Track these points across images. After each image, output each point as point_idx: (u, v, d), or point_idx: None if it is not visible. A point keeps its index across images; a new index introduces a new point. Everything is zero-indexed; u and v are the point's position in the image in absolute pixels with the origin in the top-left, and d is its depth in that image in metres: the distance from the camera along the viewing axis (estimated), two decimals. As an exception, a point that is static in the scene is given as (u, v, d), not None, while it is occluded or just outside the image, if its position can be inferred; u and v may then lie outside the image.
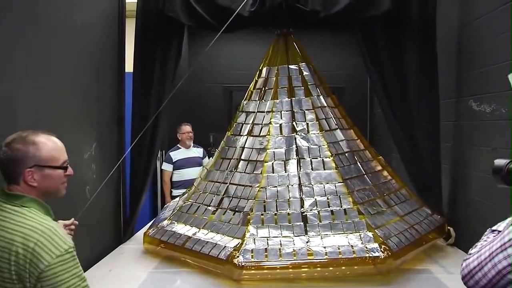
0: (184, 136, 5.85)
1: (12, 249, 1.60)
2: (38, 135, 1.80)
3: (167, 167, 5.80)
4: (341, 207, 3.30)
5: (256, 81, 4.08)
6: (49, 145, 1.80)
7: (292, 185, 3.43)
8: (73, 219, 2.33)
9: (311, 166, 3.51)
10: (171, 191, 5.81)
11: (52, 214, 1.81)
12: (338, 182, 3.42)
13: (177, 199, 4.29)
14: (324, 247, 3.05)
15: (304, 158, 3.55)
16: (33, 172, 1.74)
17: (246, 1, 3.73)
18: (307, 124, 3.71)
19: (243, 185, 3.55)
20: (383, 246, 3.03)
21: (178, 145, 5.93)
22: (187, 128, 5.90)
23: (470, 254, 1.49)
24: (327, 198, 3.34)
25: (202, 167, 5.32)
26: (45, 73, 2.92)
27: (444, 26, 4.11)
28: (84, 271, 3.36)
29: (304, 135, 3.66)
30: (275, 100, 3.86)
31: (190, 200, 3.82)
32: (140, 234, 4.17)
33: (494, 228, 1.54)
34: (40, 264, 1.58)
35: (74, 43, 3.36)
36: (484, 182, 3.52)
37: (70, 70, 3.29)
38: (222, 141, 4.07)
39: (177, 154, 5.83)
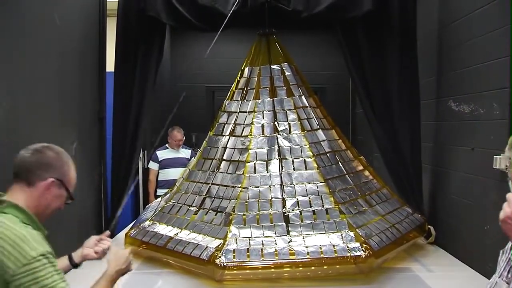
0: (175, 143, 5.83)
1: None
2: (69, 158, 1.84)
3: (153, 165, 5.78)
4: (323, 207, 3.31)
5: (238, 81, 4.07)
6: (74, 172, 1.85)
7: (274, 185, 3.43)
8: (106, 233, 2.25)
9: (293, 166, 3.52)
10: (155, 190, 5.78)
11: (34, 222, 1.69)
12: (320, 182, 3.43)
13: (159, 199, 4.27)
14: (306, 247, 3.06)
15: (286, 158, 3.56)
16: (54, 184, 1.73)
17: (228, 1, 3.72)
18: (289, 124, 3.71)
19: (225, 186, 3.54)
20: (364, 245, 3.04)
21: (166, 144, 5.90)
22: (178, 136, 5.84)
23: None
24: (309, 198, 3.35)
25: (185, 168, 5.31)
26: (22, 73, 2.87)
27: (424, 27, 4.16)
28: (65, 273, 3.32)
29: (286, 135, 3.66)
30: (257, 100, 3.85)
31: (172, 201, 3.79)
32: (121, 235, 4.12)
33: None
34: (5, 274, 1.47)
35: (53, 42, 3.32)
36: (464, 181, 3.57)
37: (49, 70, 3.25)
38: (204, 141, 4.06)
39: (164, 154, 5.81)
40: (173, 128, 5.89)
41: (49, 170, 1.73)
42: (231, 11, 3.71)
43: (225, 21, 3.51)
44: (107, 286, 1.89)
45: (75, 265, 2.17)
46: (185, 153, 5.94)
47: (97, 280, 1.91)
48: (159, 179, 5.80)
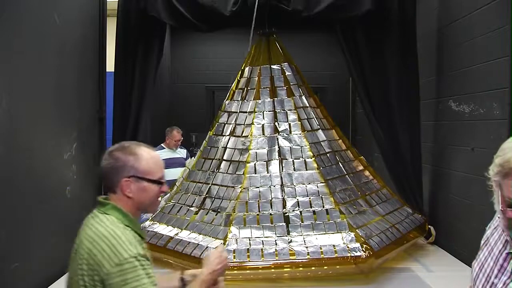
0: (173, 143, 5.82)
1: (81, 252, 1.62)
2: (139, 147, 1.80)
3: None
4: (323, 207, 3.31)
5: (238, 81, 4.07)
6: (149, 158, 1.79)
7: (274, 186, 3.43)
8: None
9: (293, 166, 3.52)
10: None
11: (135, 225, 1.75)
12: (320, 183, 3.43)
13: (159, 199, 4.26)
14: (306, 247, 3.06)
15: (286, 159, 3.55)
16: (131, 182, 1.73)
17: (228, 1, 3.72)
18: (289, 124, 3.71)
19: (225, 186, 3.54)
20: (364, 245, 3.04)
21: (162, 145, 5.89)
22: (177, 136, 5.84)
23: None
24: (309, 199, 3.35)
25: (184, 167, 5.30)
26: (22, 73, 2.87)
27: (424, 27, 4.16)
28: (65, 273, 3.31)
29: (286, 135, 3.66)
30: (257, 100, 3.85)
31: (172, 201, 3.79)
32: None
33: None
34: (101, 272, 1.54)
35: (53, 42, 3.32)
36: (464, 181, 3.57)
37: (48, 70, 3.25)
38: (204, 141, 4.06)
39: (160, 154, 5.77)
40: (172, 128, 5.88)
41: (118, 173, 1.73)
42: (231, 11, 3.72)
43: (225, 21, 3.51)
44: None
45: (184, 284, 2.07)
46: (181, 152, 5.94)
47: (190, 285, 1.92)
48: None
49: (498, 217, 1.37)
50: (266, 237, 3.16)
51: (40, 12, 3.15)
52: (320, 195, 3.37)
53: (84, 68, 3.86)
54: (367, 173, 3.93)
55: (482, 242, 1.53)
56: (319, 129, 3.76)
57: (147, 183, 1.76)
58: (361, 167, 3.92)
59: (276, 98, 3.83)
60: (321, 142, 3.70)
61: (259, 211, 3.31)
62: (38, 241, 3.05)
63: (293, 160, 3.55)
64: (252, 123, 3.75)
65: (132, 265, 1.54)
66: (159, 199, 1.86)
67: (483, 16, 3.34)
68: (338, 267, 3.04)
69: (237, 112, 3.88)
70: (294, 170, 3.50)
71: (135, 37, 4.07)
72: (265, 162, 3.56)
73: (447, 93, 3.89)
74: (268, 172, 3.50)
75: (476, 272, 1.47)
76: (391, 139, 4.04)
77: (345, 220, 3.23)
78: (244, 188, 3.44)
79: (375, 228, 3.32)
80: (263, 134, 3.69)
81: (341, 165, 3.68)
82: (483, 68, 3.32)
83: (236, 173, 3.56)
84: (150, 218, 3.74)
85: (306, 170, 3.50)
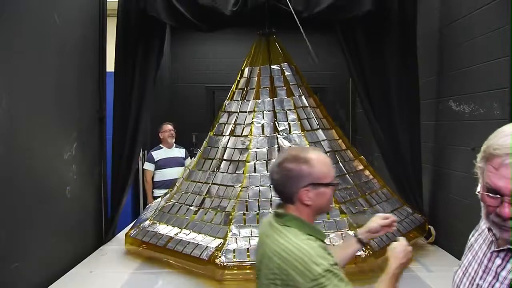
0: (166, 134, 5.84)
1: (271, 267, 1.66)
2: (308, 153, 1.77)
3: (149, 166, 5.77)
4: (323, 206, 3.31)
5: (238, 81, 4.08)
6: (320, 162, 1.76)
7: (274, 185, 3.42)
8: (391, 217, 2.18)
9: (293, 166, 3.51)
10: (152, 191, 5.77)
11: (316, 232, 1.75)
12: (320, 182, 3.42)
13: (159, 199, 4.27)
14: (306, 247, 3.05)
15: (286, 158, 3.55)
16: (309, 191, 1.72)
17: (228, 1, 3.72)
18: (289, 124, 3.72)
19: (225, 185, 3.55)
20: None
21: (160, 144, 5.91)
22: (168, 126, 5.90)
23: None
24: (309, 198, 3.35)
25: (184, 167, 5.30)
26: (22, 73, 2.87)
27: (424, 27, 4.16)
28: (65, 273, 3.33)
29: (286, 135, 3.66)
30: (257, 100, 3.86)
31: (172, 200, 3.80)
32: (121, 235, 4.13)
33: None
34: (297, 284, 1.57)
35: (53, 42, 3.32)
36: (464, 181, 3.57)
37: (48, 70, 3.25)
38: (205, 141, 4.06)
39: (159, 154, 5.80)
40: (160, 125, 5.95)
41: (294, 184, 1.73)
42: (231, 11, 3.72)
43: (225, 21, 3.50)
44: (392, 284, 1.85)
45: (362, 243, 2.14)
46: (180, 152, 5.95)
47: (380, 279, 1.88)
48: (155, 179, 5.80)
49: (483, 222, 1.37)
50: (266, 236, 3.15)
51: (40, 12, 3.15)
52: (320, 195, 3.36)
53: (84, 68, 3.87)
54: (367, 172, 3.93)
55: (466, 248, 1.53)
56: (318, 128, 3.77)
57: (323, 187, 1.75)
58: (361, 167, 3.92)
59: (275, 98, 3.83)
60: (321, 142, 3.70)
61: (259, 210, 3.32)
62: (38, 241, 3.05)
63: (293, 160, 3.54)
64: (252, 123, 3.76)
65: (326, 278, 1.57)
66: (332, 200, 1.86)
67: (483, 16, 3.34)
68: (338, 266, 3.03)
69: (237, 112, 3.89)
70: (294, 169, 3.50)
71: (135, 37, 4.07)
72: (265, 162, 3.56)
73: (447, 93, 3.89)
74: (268, 171, 3.51)
75: (459, 277, 1.46)
76: (391, 139, 4.04)
77: (345, 218, 3.24)
78: (244, 187, 3.45)
79: (375, 227, 3.32)
80: (263, 133, 3.70)
81: (341, 165, 3.68)
82: (483, 68, 3.32)
83: (236, 172, 3.57)
84: (150, 218, 3.75)
85: (306, 169, 3.50)
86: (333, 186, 1.80)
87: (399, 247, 1.91)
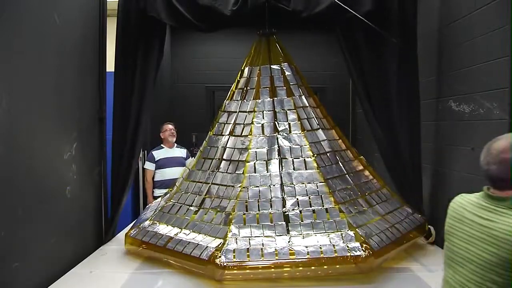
0: (167, 134, 5.85)
1: (505, 247, 1.79)
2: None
3: (149, 166, 5.77)
4: (323, 206, 3.31)
5: (238, 81, 4.08)
6: None
7: (274, 185, 3.43)
8: None
9: (293, 166, 3.52)
10: (153, 191, 5.77)
11: None
12: (320, 182, 3.43)
13: (159, 199, 4.27)
14: (306, 247, 3.06)
15: (286, 158, 3.56)
16: None
17: (228, 1, 3.72)
18: (289, 124, 3.72)
19: (225, 185, 3.55)
20: (364, 245, 3.05)
21: (161, 144, 5.91)
22: (169, 126, 5.92)
23: None
24: (309, 198, 3.36)
25: (184, 167, 5.30)
26: (22, 73, 2.87)
27: (424, 27, 4.16)
28: (65, 273, 3.33)
29: (286, 135, 3.66)
30: (257, 100, 3.86)
31: (172, 200, 3.80)
32: (121, 235, 4.13)
33: None
34: None
35: (53, 42, 3.31)
36: (464, 181, 3.57)
37: (48, 70, 3.25)
38: (205, 141, 4.06)
39: (159, 153, 5.80)
40: (161, 125, 5.94)
41: None
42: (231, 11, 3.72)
43: (225, 21, 3.51)
44: None
45: None
46: (181, 152, 5.95)
47: None
48: (155, 179, 5.79)
49: None
50: (266, 236, 3.16)
51: (40, 12, 3.15)
52: (320, 194, 3.37)
53: (84, 68, 3.86)
54: (367, 172, 3.94)
55: None
56: (319, 128, 3.77)
57: None
58: (361, 167, 3.93)
59: (275, 98, 3.83)
60: (321, 142, 3.70)
61: (258, 210, 3.32)
62: (38, 241, 3.05)
63: (292, 160, 3.55)
64: (252, 123, 3.76)
65: None
66: None
67: (483, 16, 3.35)
68: (338, 266, 3.03)
69: (236, 112, 3.89)
70: (294, 169, 3.51)
71: (135, 37, 4.07)
72: (264, 162, 3.57)
73: (447, 93, 3.89)
74: (267, 171, 3.51)
75: None
76: (390, 139, 4.04)
77: (345, 219, 3.24)
78: (243, 187, 3.45)
79: (375, 227, 3.32)
80: (263, 133, 3.70)
81: (341, 165, 3.68)
82: (483, 68, 3.32)
83: (236, 172, 3.57)
84: (150, 218, 3.75)
85: (306, 169, 3.51)
86: None
87: None
